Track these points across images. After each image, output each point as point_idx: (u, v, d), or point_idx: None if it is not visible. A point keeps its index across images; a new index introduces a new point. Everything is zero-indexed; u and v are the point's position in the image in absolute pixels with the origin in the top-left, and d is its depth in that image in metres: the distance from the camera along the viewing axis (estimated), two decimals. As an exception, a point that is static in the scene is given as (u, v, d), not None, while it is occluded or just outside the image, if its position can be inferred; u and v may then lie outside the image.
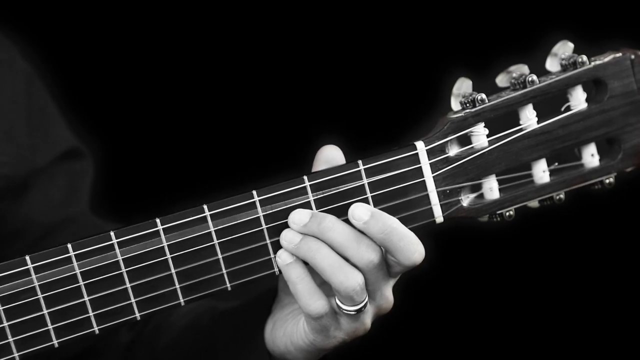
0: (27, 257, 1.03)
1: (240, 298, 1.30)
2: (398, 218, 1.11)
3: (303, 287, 1.03)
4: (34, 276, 1.03)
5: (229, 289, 1.08)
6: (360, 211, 1.06)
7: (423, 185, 1.11)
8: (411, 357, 2.34)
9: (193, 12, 2.15)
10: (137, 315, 1.04)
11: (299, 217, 1.07)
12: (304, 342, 1.07)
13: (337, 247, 1.08)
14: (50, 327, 1.04)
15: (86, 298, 1.04)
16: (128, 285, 1.03)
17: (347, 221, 1.12)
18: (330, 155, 1.11)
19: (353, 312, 1.05)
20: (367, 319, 1.11)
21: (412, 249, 1.06)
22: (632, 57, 1.15)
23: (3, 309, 1.03)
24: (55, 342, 1.03)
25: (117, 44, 2.16)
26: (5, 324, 1.03)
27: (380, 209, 1.11)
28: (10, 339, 1.04)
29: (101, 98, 2.04)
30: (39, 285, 1.02)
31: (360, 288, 1.04)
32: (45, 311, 1.03)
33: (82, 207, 1.32)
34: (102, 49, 2.06)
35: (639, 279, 2.27)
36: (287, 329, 1.09)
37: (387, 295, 1.10)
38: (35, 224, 1.30)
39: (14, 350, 1.05)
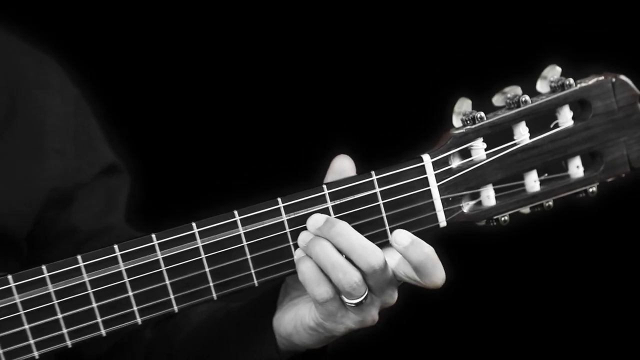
0: (79, 257, 1.09)
1: (246, 298, 1.30)
2: (406, 223, 1.17)
3: (309, 276, 1.08)
4: (84, 273, 1.09)
5: (256, 285, 1.14)
6: (401, 237, 1.13)
7: (429, 194, 1.17)
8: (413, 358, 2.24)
9: (218, 38, 2.16)
10: (175, 308, 1.10)
11: (314, 221, 1.12)
12: (314, 322, 1.13)
13: (343, 250, 1.12)
14: (99, 319, 1.09)
15: (130, 293, 1.10)
16: (167, 282, 1.10)
17: (363, 227, 1.14)
18: (342, 165, 1.16)
19: (353, 305, 1.10)
20: (373, 311, 1.16)
21: (439, 275, 1.13)
22: (613, 80, 1.21)
23: (57, 302, 1.11)
24: (102, 331, 1.09)
25: (146, 62, 2.16)
26: (59, 315, 1.08)
27: (390, 214, 1.16)
28: (64, 330, 1.09)
29: (135, 118, 2.03)
30: (88, 280, 1.08)
31: (357, 285, 1.10)
32: (94, 304, 1.09)
33: (119, 217, 1.37)
34: (132, 69, 2.05)
35: (620, 277, 2.17)
36: (298, 311, 1.15)
37: (391, 293, 1.14)
38: (78, 230, 1.35)
39: (67, 338, 1.11)
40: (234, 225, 1.12)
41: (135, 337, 1.39)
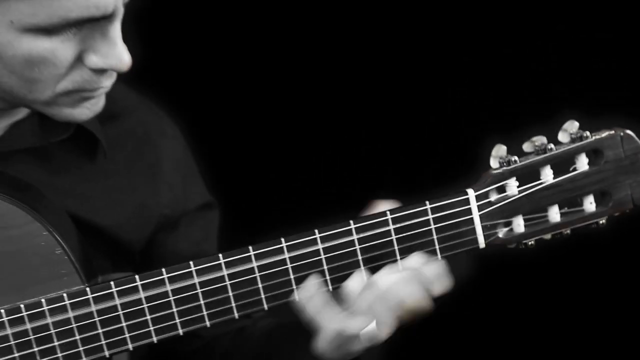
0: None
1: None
2: (451, 244, 1.29)
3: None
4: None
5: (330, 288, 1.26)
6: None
7: (471, 221, 1.29)
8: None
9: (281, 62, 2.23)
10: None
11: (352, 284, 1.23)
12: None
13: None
14: (233, 304, 1.24)
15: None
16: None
17: (417, 247, 1.26)
18: (385, 205, 1.28)
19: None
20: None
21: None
22: (621, 134, 1.32)
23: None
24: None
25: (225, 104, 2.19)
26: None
27: (439, 237, 1.28)
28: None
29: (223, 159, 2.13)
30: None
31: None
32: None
33: (212, 246, 1.50)
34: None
35: (623, 294, 2.25)
36: None
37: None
38: (179, 255, 1.44)
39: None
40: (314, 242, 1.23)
41: (217, 342, 1.47)
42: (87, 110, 1.25)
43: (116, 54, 1.19)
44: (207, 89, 2.17)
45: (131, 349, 1.25)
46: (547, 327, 2.36)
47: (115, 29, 1.19)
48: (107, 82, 1.24)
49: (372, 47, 2.21)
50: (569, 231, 1.34)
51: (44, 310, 1.19)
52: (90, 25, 1.17)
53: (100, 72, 1.21)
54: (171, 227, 1.44)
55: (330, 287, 1.25)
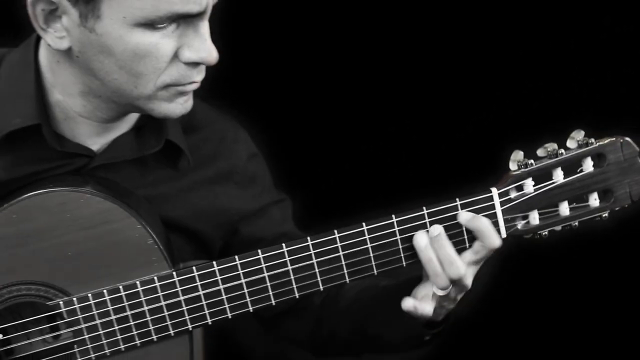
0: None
1: (395, 278, 1.48)
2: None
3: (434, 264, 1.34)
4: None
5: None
6: (464, 215, 1.36)
7: (495, 215, 1.38)
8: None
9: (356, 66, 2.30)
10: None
11: (434, 228, 1.35)
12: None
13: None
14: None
15: (343, 262, 1.35)
16: (343, 263, 1.36)
17: (452, 236, 1.35)
18: None
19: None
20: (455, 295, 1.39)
21: (496, 237, 1.34)
22: (621, 140, 1.40)
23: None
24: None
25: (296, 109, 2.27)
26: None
27: (467, 228, 1.38)
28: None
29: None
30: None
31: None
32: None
33: (291, 226, 1.59)
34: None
35: (623, 283, 2.30)
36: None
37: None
38: (264, 239, 1.54)
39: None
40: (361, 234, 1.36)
41: (308, 302, 1.55)
42: (180, 106, 1.35)
43: (206, 48, 1.30)
44: (270, 96, 2.23)
45: (227, 317, 1.37)
46: (558, 319, 2.39)
47: (205, 27, 1.30)
48: (198, 77, 1.34)
49: (405, 59, 2.27)
50: (577, 223, 1.42)
51: (138, 290, 1.33)
52: (185, 23, 1.28)
53: (193, 66, 1.31)
54: (249, 220, 1.54)
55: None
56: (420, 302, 1.37)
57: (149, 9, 1.23)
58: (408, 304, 1.37)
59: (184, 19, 1.28)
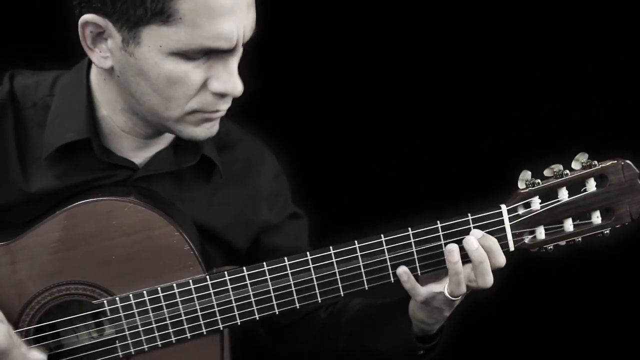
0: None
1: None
2: None
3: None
4: (385, 247, 1.42)
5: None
6: (475, 233, 1.42)
7: (504, 229, 1.44)
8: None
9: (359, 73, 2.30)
10: (392, 280, 1.44)
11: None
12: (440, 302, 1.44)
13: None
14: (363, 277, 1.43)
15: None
16: (362, 269, 1.43)
17: None
18: None
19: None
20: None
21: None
22: (622, 163, 1.44)
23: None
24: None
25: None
26: (363, 270, 1.42)
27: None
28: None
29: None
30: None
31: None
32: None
33: (304, 242, 1.68)
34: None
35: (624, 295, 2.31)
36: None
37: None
38: (280, 249, 1.62)
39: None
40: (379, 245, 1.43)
41: (313, 316, 1.64)
42: (206, 130, 1.44)
43: (232, 82, 1.39)
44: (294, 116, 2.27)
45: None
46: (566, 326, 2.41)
47: (234, 62, 1.39)
48: (224, 106, 1.43)
49: (420, 84, 2.30)
50: (580, 239, 1.46)
51: (174, 292, 1.42)
52: (216, 57, 1.37)
53: (220, 96, 1.40)
54: (270, 231, 1.63)
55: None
56: (415, 282, 1.44)
57: (183, 42, 1.32)
58: (401, 269, 1.44)
59: (215, 53, 1.36)
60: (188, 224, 1.48)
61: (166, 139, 1.53)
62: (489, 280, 1.42)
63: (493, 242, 1.42)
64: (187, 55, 1.34)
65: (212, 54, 1.36)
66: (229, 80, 1.38)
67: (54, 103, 1.47)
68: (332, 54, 2.28)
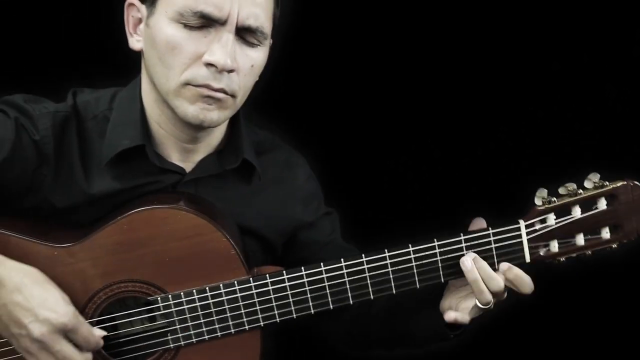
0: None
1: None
2: (507, 258, 1.52)
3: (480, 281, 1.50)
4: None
5: (442, 281, 1.53)
6: (466, 260, 1.50)
7: (521, 243, 1.53)
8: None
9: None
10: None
11: (470, 255, 1.50)
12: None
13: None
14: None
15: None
16: (391, 274, 1.52)
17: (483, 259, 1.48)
18: (480, 222, 1.54)
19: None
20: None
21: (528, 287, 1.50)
22: (631, 184, 1.51)
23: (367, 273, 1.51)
24: (393, 287, 1.52)
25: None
26: (391, 276, 1.51)
27: (497, 253, 1.51)
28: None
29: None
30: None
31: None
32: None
33: (338, 236, 1.79)
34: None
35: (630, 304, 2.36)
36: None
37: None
38: (317, 242, 1.75)
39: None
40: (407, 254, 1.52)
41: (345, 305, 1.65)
42: (199, 111, 1.50)
43: (221, 54, 1.46)
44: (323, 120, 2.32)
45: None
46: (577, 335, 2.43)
47: (227, 38, 1.47)
48: (215, 84, 1.48)
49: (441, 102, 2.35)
50: (590, 252, 1.54)
51: (221, 292, 1.53)
52: (214, 32, 1.47)
53: (211, 69, 1.48)
54: (306, 228, 1.75)
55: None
56: (462, 314, 1.54)
57: (180, 5, 1.46)
58: (450, 316, 1.54)
59: (213, 26, 1.48)
60: (231, 226, 1.59)
61: (209, 147, 1.64)
62: (486, 298, 1.51)
63: (518, 274, 1.51)
64: (186, 22, 1.46)
65: (210, 27, 1.47)
66: (218, 52, 1.46)
67: (112, 115, 1.60)
68: (356, 61, 2.32)
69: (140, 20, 1.54)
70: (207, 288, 1.53)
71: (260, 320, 1.55)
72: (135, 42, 1.55)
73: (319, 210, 1.77)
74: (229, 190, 1.66)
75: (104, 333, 1.52)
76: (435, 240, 1.53)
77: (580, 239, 1.53)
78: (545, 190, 1.53)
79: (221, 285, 1.53)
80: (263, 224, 1.69)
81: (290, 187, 1.73)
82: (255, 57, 1.53)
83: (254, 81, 1.58)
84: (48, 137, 1.54)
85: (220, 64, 1.46)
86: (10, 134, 1.50)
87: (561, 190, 1.53)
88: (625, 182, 1.52)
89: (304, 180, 1.76)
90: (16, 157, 1.50)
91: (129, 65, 1.62)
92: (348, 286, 1.55)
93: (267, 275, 1.54)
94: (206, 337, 1.55)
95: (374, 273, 1.54)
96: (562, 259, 1.54)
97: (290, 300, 1.54)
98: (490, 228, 1.52)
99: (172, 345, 1.55)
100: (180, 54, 1.47)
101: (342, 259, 1.55)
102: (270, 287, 1.54)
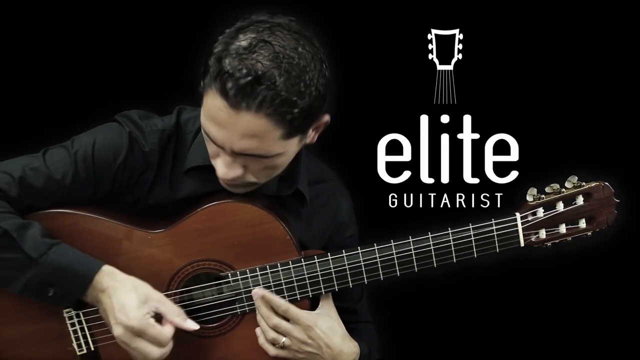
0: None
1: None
2: (504, 244, 1.69)
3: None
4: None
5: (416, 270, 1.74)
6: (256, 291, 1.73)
7: (517, 231, 1.71)
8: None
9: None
10: (416, 269, 1.73)
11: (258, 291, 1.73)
12: None
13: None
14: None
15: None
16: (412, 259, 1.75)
17: (482, 247, 1.68)
18: None
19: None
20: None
21: None
22: (603, 185, 1.69)
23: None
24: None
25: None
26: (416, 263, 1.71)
27: (499, 239, 1.68)
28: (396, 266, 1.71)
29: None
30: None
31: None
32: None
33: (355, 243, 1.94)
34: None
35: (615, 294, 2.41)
36: None
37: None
38: (346, 245, 1.84)
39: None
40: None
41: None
42: (226, 186, 1.70)
43: (221, 169, 1.65)
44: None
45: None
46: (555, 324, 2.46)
47: (226, 158, 1.63)
48: (224, 185, 1.68)
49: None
50: (570, 239, 1.72)
51: (278, 270, 1.77)
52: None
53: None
54: (339, 238, 1.94)
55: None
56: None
57: (202, 116, 1.63)
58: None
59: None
60: (286, 220, 1.81)
61: None
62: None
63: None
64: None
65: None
66: (219, 166, 1.66)
67: (200, 133, 1.77)
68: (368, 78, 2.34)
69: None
70: (267, 266, 1.75)
71: (309, 292, 1.77)
72: None
73: (351, 229, 1.95)
74: (285, 211, 1.83)
75: (172, 331, 1.66)
76: (449, 228, 1.72)
77: (562, 228, 1.72)
78: (535, 189, 1.72)
79: (279, 264, 1.75)
80: (309, 240, 1.87)
81: (336, 215, 1.91)
82: (267, 162, 1.65)
83: (281, 168, 1.72)
84: (155, 150, 1.76)
85: (221, 177, 1.66)
86: (125, 144, 1.75)
87: (547, 189, 1.72)
88: (598, 183, 1.71)
89: (346, 209, 1.93)
90: (128, 162, 1.75)
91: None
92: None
93: (315, 256, 1.77)
94: (267, 305, 1.78)
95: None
96: (549, 244, 1.73)
97: (333, 275, 1.76)
98: (493, 219, 1.71)
99: (239, 311, 1.79)
100: (209, 146, 1.65)
101: (358, 247, 1.76)
102: (317, 267, 1.75)
